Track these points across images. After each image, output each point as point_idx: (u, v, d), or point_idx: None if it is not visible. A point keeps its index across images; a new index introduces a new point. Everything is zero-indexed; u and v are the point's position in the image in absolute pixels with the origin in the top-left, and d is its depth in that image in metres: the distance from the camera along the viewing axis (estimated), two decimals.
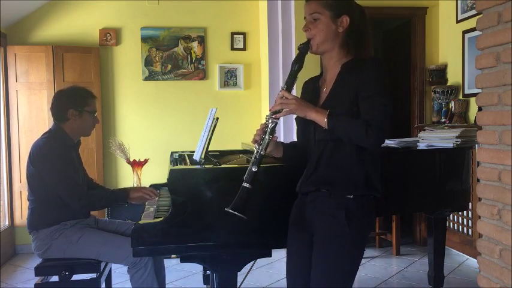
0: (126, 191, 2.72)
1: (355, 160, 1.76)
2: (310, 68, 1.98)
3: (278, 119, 1.76)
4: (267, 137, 1.75)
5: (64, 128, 2.72)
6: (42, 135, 2.74)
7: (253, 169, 1.71)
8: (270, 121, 1.76)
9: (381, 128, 1.69)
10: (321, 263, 1.78)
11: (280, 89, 1.78)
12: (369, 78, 1.73)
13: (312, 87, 1.94)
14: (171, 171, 2.08)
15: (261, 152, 1.73)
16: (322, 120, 1.71)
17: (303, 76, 1.95)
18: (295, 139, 2.06)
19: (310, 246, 1.85)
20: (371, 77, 1.73)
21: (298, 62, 1.78)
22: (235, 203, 1.69)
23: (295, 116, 1.88)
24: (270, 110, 1.79)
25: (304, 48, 1.81)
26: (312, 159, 1.84)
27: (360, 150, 1.75)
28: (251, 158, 1.77)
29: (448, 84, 4.66)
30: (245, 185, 1.71)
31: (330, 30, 1.80)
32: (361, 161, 1.76)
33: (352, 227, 1.75)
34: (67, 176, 2.60)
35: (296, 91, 1.88)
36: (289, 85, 1.77)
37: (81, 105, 2.72)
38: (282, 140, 4.09)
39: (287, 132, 4.45)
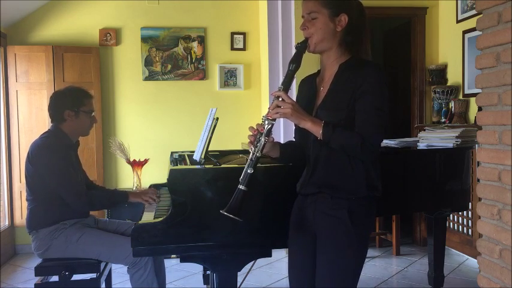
0: (125, 195, 2.74)
1: (354, 161, 1.74)
2: (309, 66, 1.96)
3: (274, 120, 1.70)
4: (262, 138, 1.69)
5: (62, 129, 2.73)
6: (41, 135, 2.74)
7: (249, 171, 1.66)
8: (266, 122, 1.70)
9: (375, 144, 1.71)
10: (326, 264, 1.77)
11: (278, 89, 1.72)
12: (367, 88, 1.69)
13: (309, 86, 1.90)
14: (171, 171, 2.08)
15: (257, 154, 1.68)
16: (317, 131, 1.69)
17: (302, 74, 1.94)
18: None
19: (312, 248, 1.84)
20: (370, 88, 1.69)
21: (295, 62, 1.73)
22: (231, 205, 1.65)
23: None
24: (268, 108, 1.74)
25: (301, 47, 1.76)
26: (310, 159, 1.82)
27: None
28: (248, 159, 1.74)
29: (448, 84, 4.66)
30: (241, 187, 1.66)
31: (328, 29, 1.76)
32: (360, 161, 1.74)
33: (356, 226, 1.74)
34: (67, 174, 2.61)
35: (294, 90, 1.85)
36: (286, 85, 1.71)
37: (77, 106, 2.72)
38: (281, 140, 4.10)
39: (286, 132, 4.44)
